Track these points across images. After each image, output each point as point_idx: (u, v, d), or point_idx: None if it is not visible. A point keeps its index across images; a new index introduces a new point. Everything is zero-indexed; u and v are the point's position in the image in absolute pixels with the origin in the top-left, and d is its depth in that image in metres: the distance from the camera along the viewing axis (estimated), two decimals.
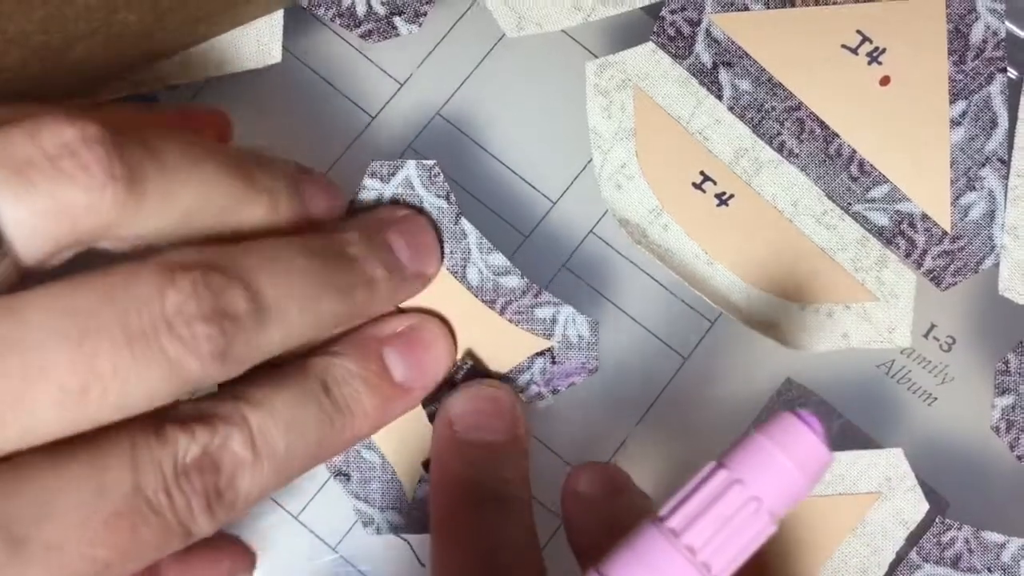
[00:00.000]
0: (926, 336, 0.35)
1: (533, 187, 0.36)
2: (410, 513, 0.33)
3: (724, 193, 0.34)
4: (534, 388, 0.33)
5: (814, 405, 0.35)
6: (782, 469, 0.22)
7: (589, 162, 0.36)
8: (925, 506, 0.32)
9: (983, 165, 0.32)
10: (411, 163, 0.32)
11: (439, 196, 0.32)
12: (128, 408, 0.24)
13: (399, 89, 0.37)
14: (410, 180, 0.32)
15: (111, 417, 0.24)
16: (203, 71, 0.35)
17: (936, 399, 0.35)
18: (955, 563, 0.32)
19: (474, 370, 0.32)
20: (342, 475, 0.33)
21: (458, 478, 0.30)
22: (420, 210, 0.32)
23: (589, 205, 0.36)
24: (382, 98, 0.37)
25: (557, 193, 0.36)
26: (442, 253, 0.32)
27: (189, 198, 0.25)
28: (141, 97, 0.36)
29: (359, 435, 0.29)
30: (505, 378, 0.33)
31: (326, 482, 0.35)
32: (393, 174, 0.32)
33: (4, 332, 0.22)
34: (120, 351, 0.23)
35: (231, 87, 0.36)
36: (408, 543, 0.34)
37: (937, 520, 0.32)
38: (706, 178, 0.34)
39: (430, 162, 0.32)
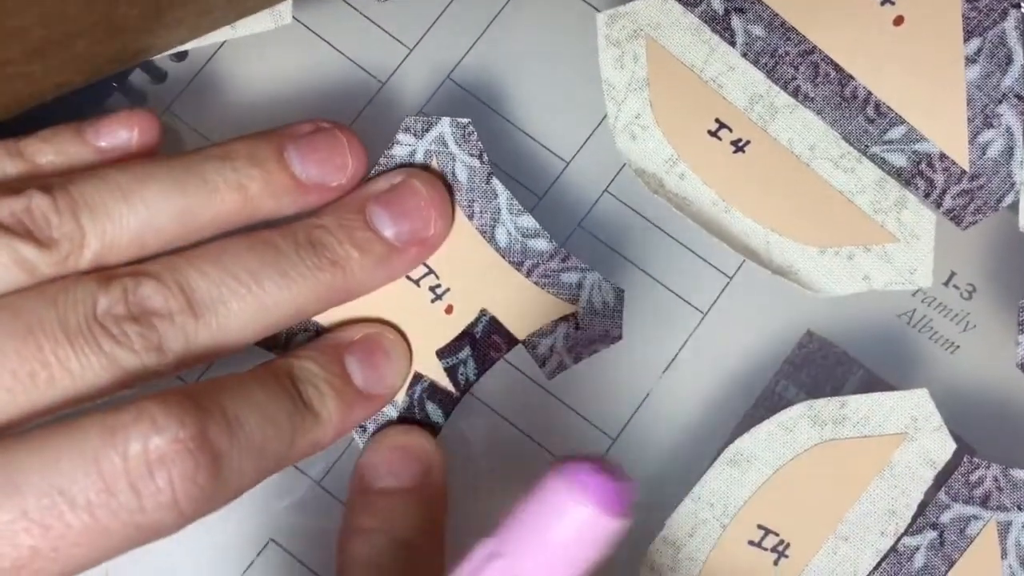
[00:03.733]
0: (946, 284, 0.35)
1: (546, 148, 0.36)
2: None
3: (740, 140, 0.34)
4: (556, 356, 0.32)
5: (836, 357, 0.35)
6: (549, 546, 0.19)
7: (602, 121, 0.36)
8: (952, 446, 0.32)
9: (1000, 102, 0.32)
10: (445, 120, 0.32)
11: (472, 155, 0.32)
12: (76, 397, 0.28)
13: (408, 54, 0.37)
14: (444, 137, 0.32)
15: (60, 404, 0.27)
16: (213, 35, 0.35)
17: (958, 347, 0.35)
18: (984, 502, 0.32)
19: (492, 323, 0.32)
20: (359, 427, 0.33)
21: (358, 528, 0.30)
22: (426, 168, 0.32)
23: (603, 164, 0.36)
24: (392, 64, 0.37)
25: (570, 153, 0.36)
26: (452, 210, 0.32)
27: (130, 228, 0.29)
28: (148, 70, 0.36)
29: (322, 436, 0.30)
30: (528, 341, 0.32)
31: (349, 445, 0.34)
32: (427, 130, 0.32)
33: None
34: (62, 345, 0.27)
35: (241, 57, 0.36)
36: None
37: (965, 459, 0.32)
38: (722, 125, 0.34)
39: (464, 120, 0.32)
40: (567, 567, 0.19)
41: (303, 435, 0.29)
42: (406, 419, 0.32)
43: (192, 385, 0.28)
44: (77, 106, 0.35)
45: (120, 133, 0.31)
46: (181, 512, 0.26)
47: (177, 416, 0.26)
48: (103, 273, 0.29)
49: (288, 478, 0.34)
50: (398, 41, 0.37)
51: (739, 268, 0.36)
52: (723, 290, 0.35)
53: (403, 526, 0.30)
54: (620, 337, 0.32)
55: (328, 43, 0.37)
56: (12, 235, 0.28)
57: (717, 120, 0.34)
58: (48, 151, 0.31)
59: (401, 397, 0.33)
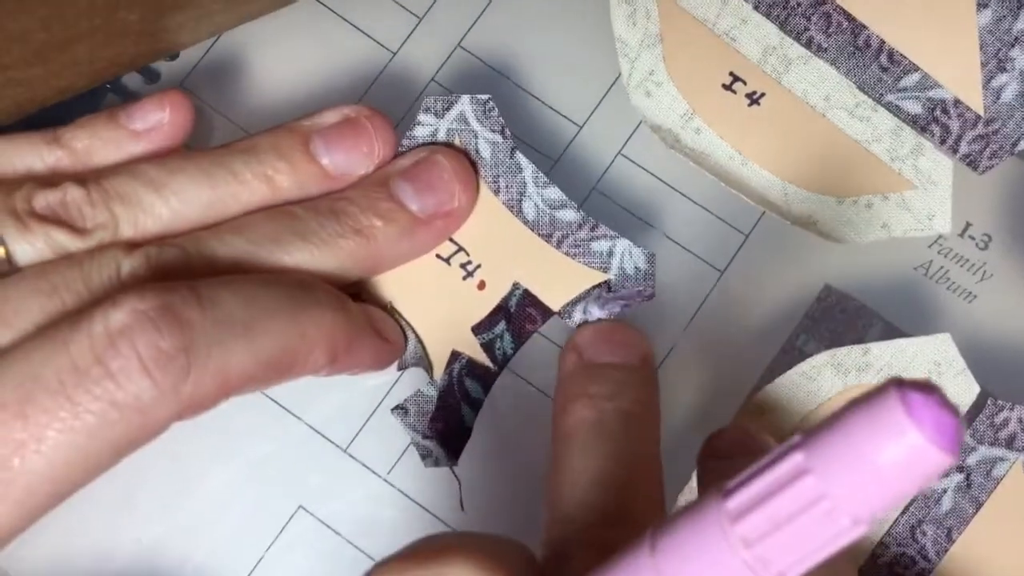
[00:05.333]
0: (962, 235, 0.35)
1: (559, 112, 0.36)
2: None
3: (755, 92, 0.34)
4: (592, 309, 0.32)
5: (855, 310, 0.35)
6: (870, 470, 0.17)
7: (613, 83, 0.36)
8: (976, 389, 0.32)
9: (1012, 45, 0.32)
10: (465, 98, 0.32)
11: (494, 130, 0.32)
12: None
13: (418, 23, 0.37)
14: (465, 115, 0.32)
15: None
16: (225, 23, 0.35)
17: (976, 296, 0.35)
18: (1010, 443, 0.32)
19: (526, 296, 0.32)
20: (400, 409, 0.32)
21: (584, 394, 0.29)
22: (450, 145, 0.32)
23: (616, 127, 0.36)
24: (401, 33, 0.37)
25: (583, 117, 0.36)
26: (476, 184, 0.32)
27: (161, 218, 0.30)
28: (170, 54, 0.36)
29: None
30: (562, 311, 0.32)
31: (373, 413, 0.35)
32: (448, 109, 0.32)
33: None
34: (85, 302, 0.27)
35: (252, 30, 0.36)
36: (458, 481, 0.34)
37: (989, 401, 0.32)
38: (736, 79, 0.34)
39: (484, 96, 0.32)
40: (883, 496, 0.17)
41: (311, 318, 0.29)
42: (445, 398, 0.32)
43: None
44: (79, 108, 0.35)
45: (153, 115, 0.32)
46: (156, 382, 0.25)
47: (138, 293, 0.26)
48: (128, 242, 0.29)
49: (315, 445, 0.35)
50: (407, 10, 0.37)
51: (755, 226, 0.36)
52: (740, 248, 0.36)
53: (628, 398, 0.29)
54: (652, 296, 0.32)
55: (338, 14, 0.37)
56: (48, 224, 0.29)
57: (731, 73, 0.34)
58: (83, 136, 0.31)
59: (440, 375, 0.32)
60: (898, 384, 0.17)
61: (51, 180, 0.30)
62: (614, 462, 0.27)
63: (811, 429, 0.18)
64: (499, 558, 0.23)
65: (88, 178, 0.30)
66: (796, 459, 0.18)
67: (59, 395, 0.25)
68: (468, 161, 0.32)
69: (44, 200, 0.29)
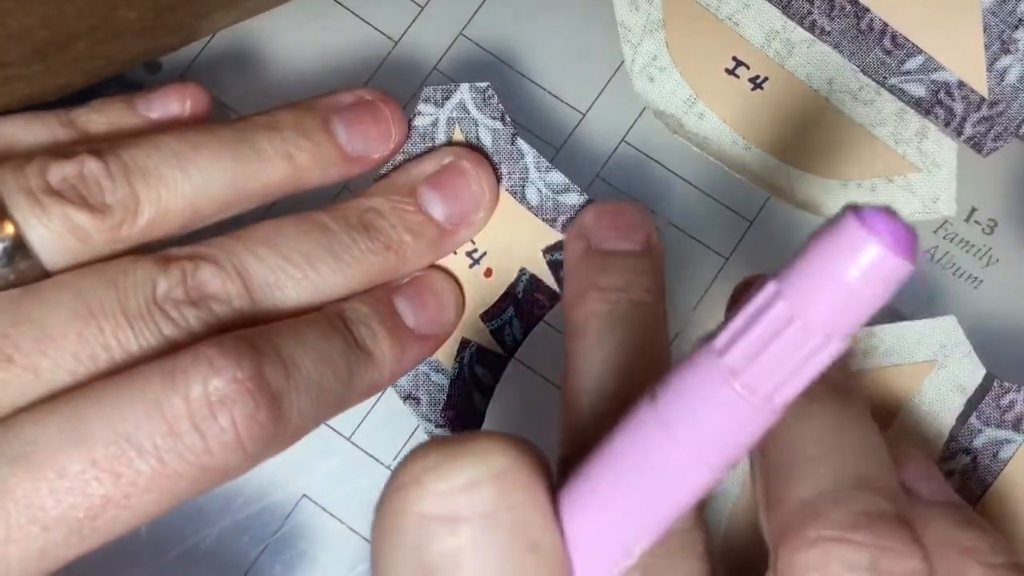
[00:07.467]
0: (967, 220, 0.35)
1: (562, 100, 0.36)
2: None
3: (758, 77, 0.34)
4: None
5: None
6: (835, 285, 0.18)
7: (616, 70, 0.36)
8: (982, 371, 0.32)
9: (1016, 27, 0.32)
10: (464, 86, 0.32)
11: (494, 118, 0.32)
12: None
13: (420, 12, 0.37)
14: (464, 103, 0.32)
15: None
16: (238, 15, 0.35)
17: (982, 281, 0.35)
18: (1016, 425, 0.32)
19: (533, 281, 0.32)
20: (412, 399, 0.32)
21: (595, 286, 0.29)
22: (472, 147, 0.32)
23: (619, 114, 0.36)
24: (404, 22, 0.37)
25: (586, 104, 0.36)
26: (497, 190, 0.32)
27: (184, 195, 0.29)
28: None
29: (378, 376, 0.30)
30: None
31: (376, 402, 0.34)
32: (447, 98, 0.32)
33: (26, 310, 0.26)
34: (122, 328, 0.27)
35: (251, 24, 0.36)
36: None
37: (995, 384, 0.32)
38: (739, 63, 0.34)
39: (483, 84, 0.32)
40: (851, 309, 0.19)
41: (360, 375, 0.29)
42: (456, 386, 0.32)
43: (245, 330, 0.27)
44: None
45: (171, 105, 0.31)
46: (246, 452, 0.26)
47: (234, 357, 0.26)
48: (161, 256, 0.28)
49: (318, 434, 0.34)
50: None
51: (759, 212, 0.36)
52: (745, 234, 0.36)
53: (639, 287, 0.29)
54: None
55: (339, 3, 0.37)
56: (65, 201, 0.27)
57: (734, 58, 0.34)
58: (99, 121, 0.30)
59: (450, 364, 0.32)
60: (853, 207, 0.18)
61: (65, 152, 0.28)
62: (628, 352, 0.27)
63: (782, 267, 0.20)
64: (521, 442, 0.23)
65: (104, 150, 0.28)
66: (769, 289, 0.19)
67: (152, 457, 0.25)
68: (490, 166, 0.32)
69: (60, 173, 0.27)
